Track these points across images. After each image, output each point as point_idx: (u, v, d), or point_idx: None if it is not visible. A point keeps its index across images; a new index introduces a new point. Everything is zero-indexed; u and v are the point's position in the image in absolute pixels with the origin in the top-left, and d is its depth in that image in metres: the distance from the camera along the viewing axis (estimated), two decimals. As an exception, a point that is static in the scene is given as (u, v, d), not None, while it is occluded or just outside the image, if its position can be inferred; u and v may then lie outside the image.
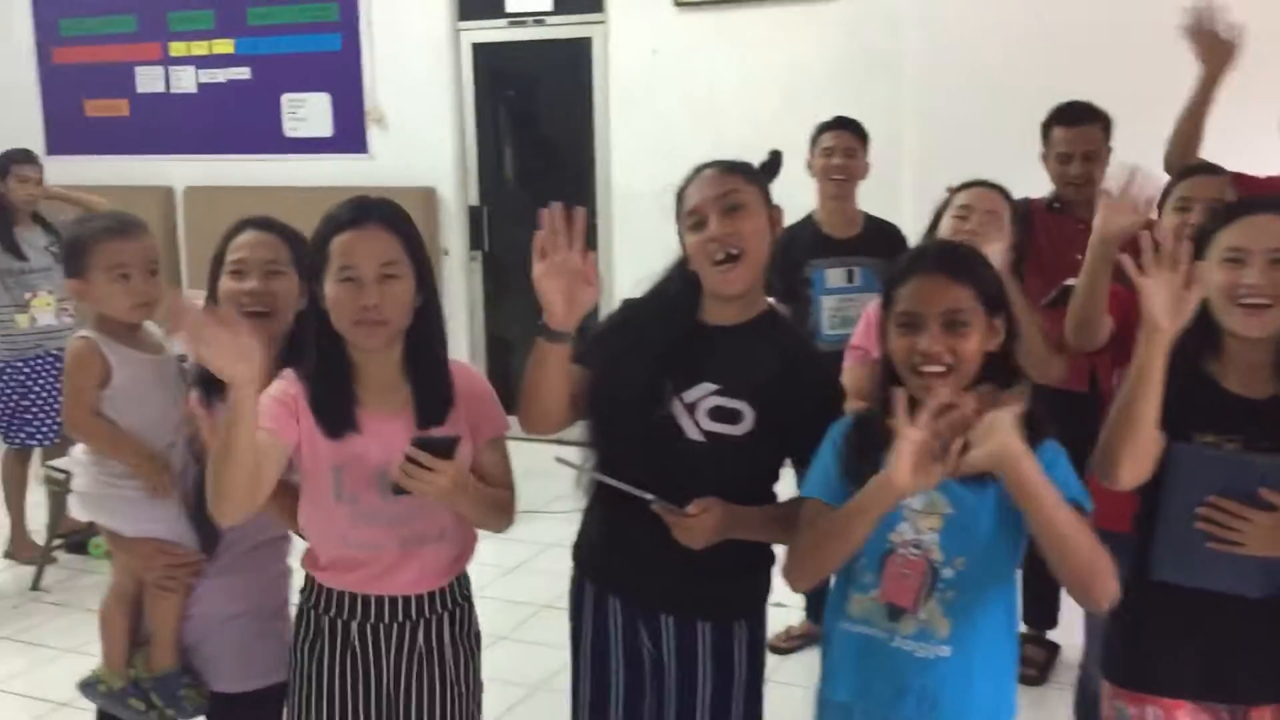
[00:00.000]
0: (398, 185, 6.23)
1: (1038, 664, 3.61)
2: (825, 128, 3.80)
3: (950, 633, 1.79)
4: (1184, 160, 3.05)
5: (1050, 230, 3.30)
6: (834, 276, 3.67)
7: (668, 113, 5.84)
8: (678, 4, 5.79)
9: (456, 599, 2.11)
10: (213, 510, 1.86)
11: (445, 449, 1.84)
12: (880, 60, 5.37)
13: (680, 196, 2.07)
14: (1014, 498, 1.69)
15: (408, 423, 1.97)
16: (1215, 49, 3.09)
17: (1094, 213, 2.97)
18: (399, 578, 2.02)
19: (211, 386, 2.10)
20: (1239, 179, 3.33)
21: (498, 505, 2.08)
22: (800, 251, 3.67)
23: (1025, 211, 2.87)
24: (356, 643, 2.03)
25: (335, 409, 1.96)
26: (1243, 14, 3.14)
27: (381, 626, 2.03)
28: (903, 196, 4.60)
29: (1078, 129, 3.39)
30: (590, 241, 1.94)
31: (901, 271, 1.86)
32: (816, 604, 3.84)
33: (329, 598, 2.05)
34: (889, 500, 1.71)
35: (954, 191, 2.87)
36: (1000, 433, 1.63)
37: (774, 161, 2.16)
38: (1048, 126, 3.47)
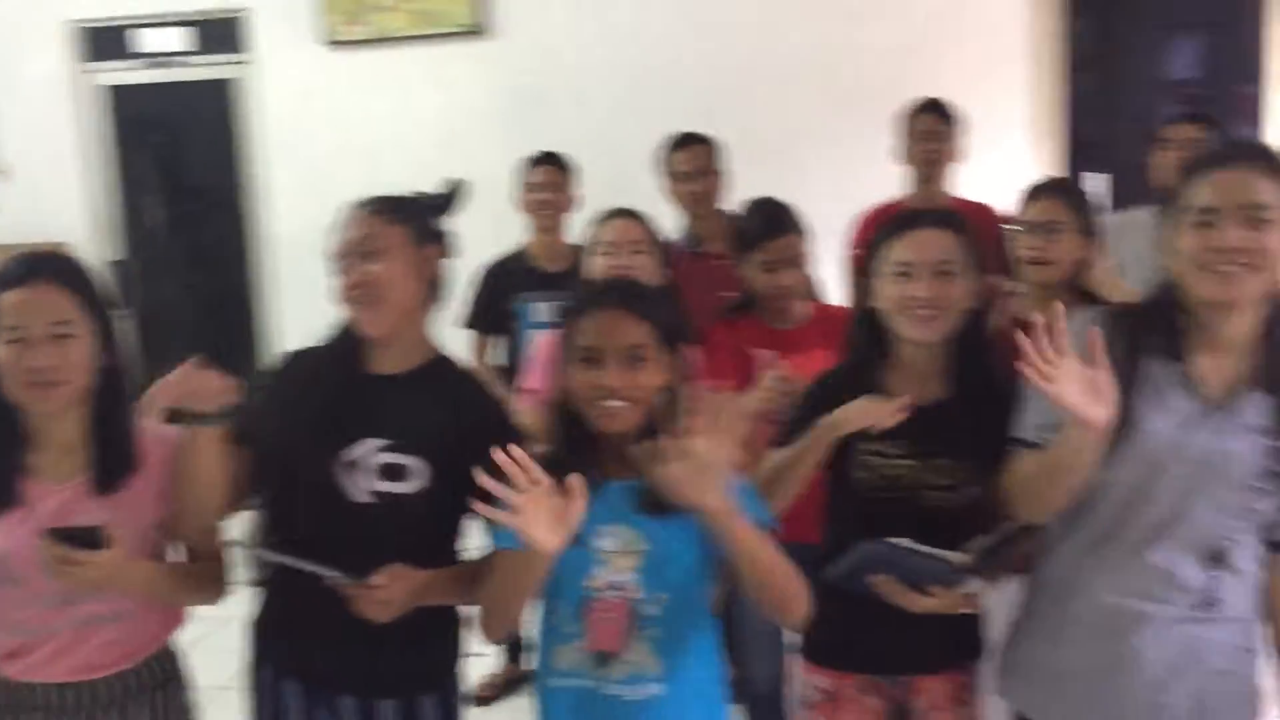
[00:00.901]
0: (22, 241, 5.66)
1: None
2: (531, 163, 3.85)
3: (661, 670, 1.77)
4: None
5: (693, 274, 3.39)
6: (541, 311, 3.65)
7: (326, 156, 5.64)
8: (328, 43, 5.61)
9: (157, 679, 1.93)
10: None
11: (88, 540, 1.67)
12: (537, 96, 5.44)
13: (331, 238, 1.97)
14: (717, 541, 1.69)
15: (80, 491, 1.80)
16: None
17: (724, 242, 3.21)
18: (72, 659, 1.84)
19: None
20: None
21: (193, 581, 1.92)
22: (508, 284, 3.66)
23: (669, 256, 2.96)
24: None
25: None
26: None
27: None
28: (571, 231, 4.66)
29: (688, 149, 3.66)
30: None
31: (581, 307, 1.83)
32: (516, 646, 3.79)
33: (5, 693, 1.85)
34: (542, 569, 1.67)
35: (595, 225, 2.90)
36: (706, 489, 1.61)
37: (453, 193, 2.06)
38: (663, 156, 3.70)
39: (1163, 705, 1.80)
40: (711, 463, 1.61)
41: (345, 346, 1.97)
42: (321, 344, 2.02)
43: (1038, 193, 2.70)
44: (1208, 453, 1.74)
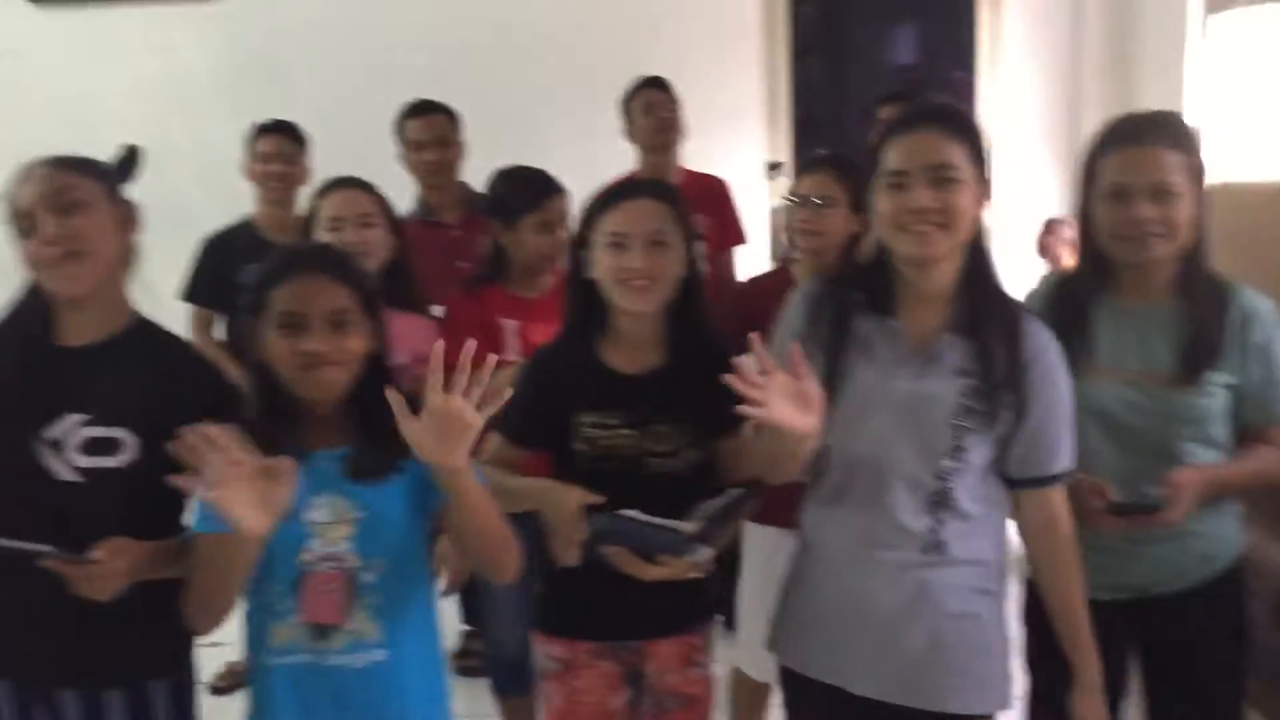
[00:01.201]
0: None
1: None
2: (260, 132, 3.71)
3: (381, 635, 1.76)
4: None
5: (428, 243, 3.36)
6: None
7: (37, 122, 5.15)
8: (32, 1, 5.18)
9: None
10: None
11: None
12: (265, 63, 5.20)
13: (9, 199, 1.82)
14: (448, 497, 1.68)
15: None
16: None
17: (459, 214, 3.18)
18: None
19: None
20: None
21: None
22: (234, 257, 3.49)
23: (400, 228, 2.91)
24: None
25: None
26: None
27: None
28: (301, 203, 4.54)
29: (425, 118, 3.64)
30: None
31: (277, 272, 1.78)
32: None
33: None
34: (250, 553, 1.61)
35: (318, 197, 2.82)
36: (454, 448, 1.59)
37: (130, 158, 1.97)
38: (399, 125, 3.67)
39: (899, 648, 1.88)
40: (467, 422, 1.59)
41: (32, 318, 1.84)
42: (2, 319, 1.88)
43: (812, 167, 2.80)
44: (909, 396, 1.84)
